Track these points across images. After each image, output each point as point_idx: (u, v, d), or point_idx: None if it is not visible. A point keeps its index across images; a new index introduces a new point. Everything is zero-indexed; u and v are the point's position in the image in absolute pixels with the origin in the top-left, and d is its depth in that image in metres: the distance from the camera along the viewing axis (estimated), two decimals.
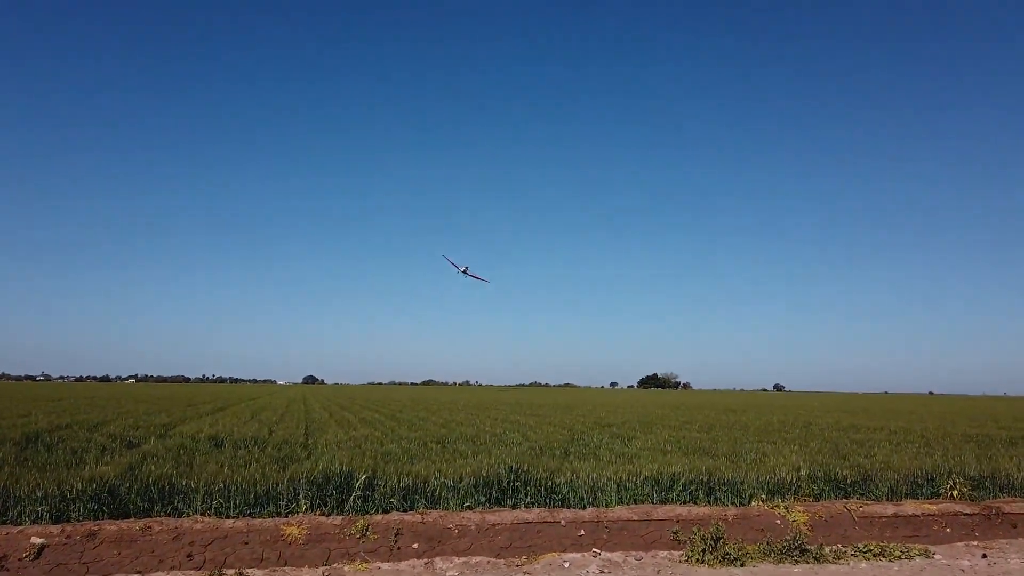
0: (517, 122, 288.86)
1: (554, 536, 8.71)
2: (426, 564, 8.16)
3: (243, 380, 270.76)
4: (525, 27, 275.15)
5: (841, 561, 8.70)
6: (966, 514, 10.00)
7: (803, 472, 11.34)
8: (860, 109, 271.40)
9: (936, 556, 9.06)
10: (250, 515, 8.82)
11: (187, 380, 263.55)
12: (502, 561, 8.35)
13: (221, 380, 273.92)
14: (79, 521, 8.20)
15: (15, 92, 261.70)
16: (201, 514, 8.62)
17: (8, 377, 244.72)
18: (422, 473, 10.22)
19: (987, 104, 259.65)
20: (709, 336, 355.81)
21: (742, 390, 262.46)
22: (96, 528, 7.73)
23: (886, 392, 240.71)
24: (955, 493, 10.90)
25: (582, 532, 8.80)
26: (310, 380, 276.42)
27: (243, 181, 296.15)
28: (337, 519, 8.43)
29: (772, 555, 8.68)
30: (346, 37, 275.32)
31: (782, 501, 9.99)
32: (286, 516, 8.65)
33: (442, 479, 9.98)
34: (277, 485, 9.41)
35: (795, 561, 8.57)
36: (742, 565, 8.36)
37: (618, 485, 10.28)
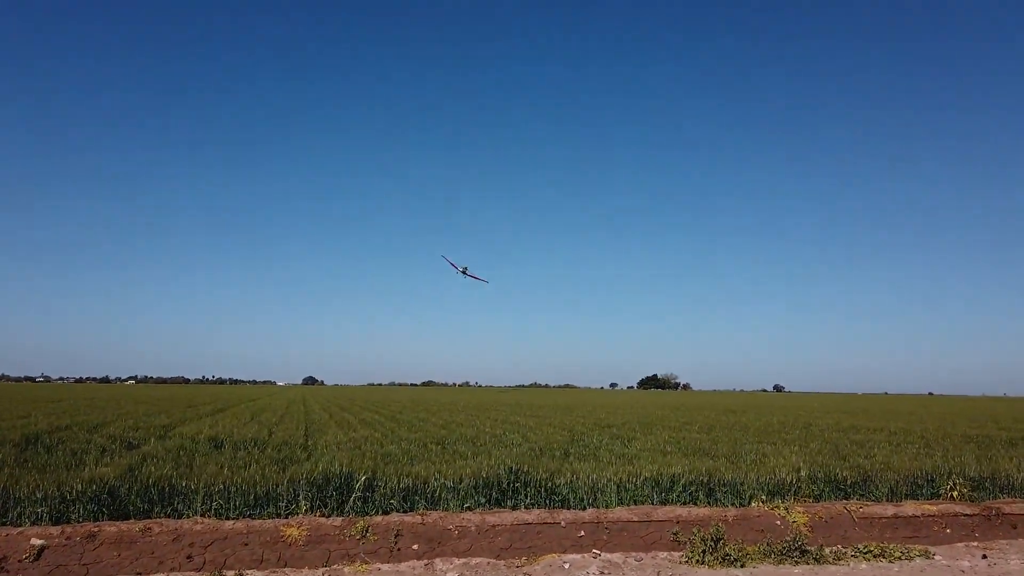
0: (517, 122, 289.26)
1: (554, 537, 8.71)
2: (426, 565, 8.15)
3: (243, 381, 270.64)
4: (525, 27, 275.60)
5: (841, 562, 8.69)
6: (966, 515, 10.00)
7: (803, 473, 11.34)
8: (860, 109, 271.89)
9: (936, 557, 9.06)
10: (250, 516, 8.81)
11: (187, 381, 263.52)
12: (502, 562, 8.35)
13: (221, 381, 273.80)
14: (79, 522, 8.20)
15: (15, 92, 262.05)
16: (201, 515, 8.62)
17: (8, 378, 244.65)
18: (422, 474, 10.21)
19: (987, 104, 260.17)
20: (709, 337, 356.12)
21: (742, 391, 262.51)
22: (96, 529, 7.73)
23: (886, 393, 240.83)
24: (955, 494, 10.90)
25: (582, 533, 8.80)
26: (310, 381, 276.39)
27: (243, 181, 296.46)
28: (337, 520, 8.42)
29: (772, 556, 8.67)
30: (346, 37, 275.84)
31: (782, 502, 9.99)
32: (286, 517, 8.64)
33: (442, 480, 9.98)
34: (277, 486, 9.41)
35: (795, 562, 8.56)
36: (742, 566, 8.36)
37: (618, 486, 10.28)
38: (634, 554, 8.72)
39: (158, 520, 8.18)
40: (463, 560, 8.30)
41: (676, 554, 8.75)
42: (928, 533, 9.69)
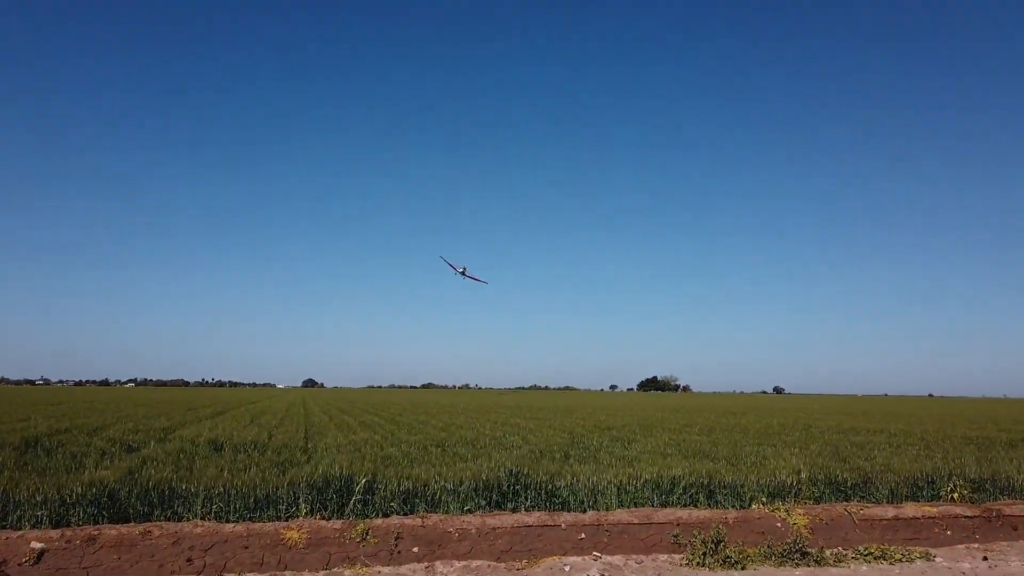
0: (517, 122, 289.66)
1: (555, 540, 8.70)
2: (426, 568, 8.15)
3: (242, 384, 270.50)
4: (525, 27, 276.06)
5: (842, 564, 8.69)
6: (967, 516, 9.99)
7: (803, 475, 11.34)
8: (860, 109, 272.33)
9: (937, 559, 9.05)
10: (250, 519, 8.81)
11: (186, 384, 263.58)
12: (503, 565, 8.34)
13: (220, 384, 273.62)
14: (79, 526, 8.19)
15: (15, 92, 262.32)
16: (201, 518, 8.61)
17: (7, 381, 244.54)
18: (422, 477, 10.21)
19: (987, 104, 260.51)
20: (709, 339, 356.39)
21: (742, 393, 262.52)
22: (96, 533, 7.72)
23: (886, 394, 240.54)
24: (955, 496, 10.90)
25: (583, 535, 8.79)
26: (309, 384, 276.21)
27: (243, 181, 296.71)
28: (337, 523, 8.42)
29: (773, 558, 8.67)
30: (346, 37, 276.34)
31: (783, 504, 9.98)
32: (286, 520, 8.64)
33: (442, 483, 9.97)
34: (277, 489, 9.40)
35: (796, 564, 8.56)
36: (743, 568, 8.36)
37: (618, 488, 10.28)
38: (635, 556, 8.71)
39: (158, 523, 8.17)
40: (463, 563, 8.29)
41: (677, 556, 8.74)
42: (929, 535, 9.68)
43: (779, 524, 9.32)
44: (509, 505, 9.90)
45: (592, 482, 10.33)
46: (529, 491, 10.16)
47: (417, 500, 9.68)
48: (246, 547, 7.91)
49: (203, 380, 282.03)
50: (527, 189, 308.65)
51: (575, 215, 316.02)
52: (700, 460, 13.17)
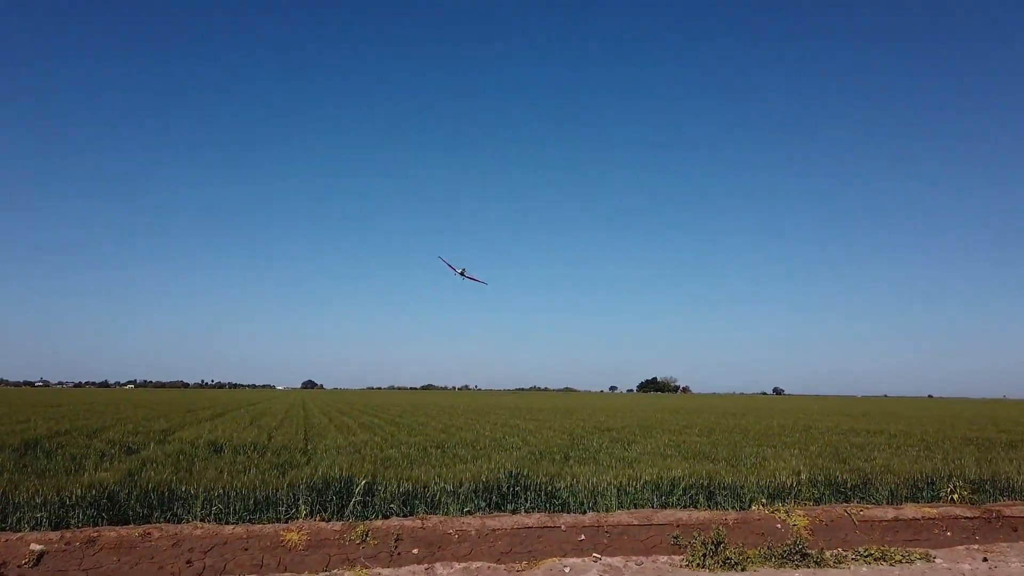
0: (517, 122, 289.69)
1: (555, 541, 8.70)
2: (426, 569, 8.14)
3: (242, 385, 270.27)
4: (525, 27, 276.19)
5: (842, 565, 8.68)
6: (967, 518, 9.99)
7: (803, 476, 11.34)
8: (860, 109, 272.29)
9: (937, 560, 9.05)
10: (250, 521, 8.80)
11: (186, 385, 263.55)
12: (503, 566, 8.34)
13: (220, 385, 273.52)
14: (78, 527, 8.19)
15: (15, 92, 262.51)
16: (201, 520, 8.61)
17: (7, 383, 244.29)
18: (422, 478, 10.20)
19: (987, 104, 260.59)
20: (708, 339, 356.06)
21: (741, 394, 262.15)
22: (95, 534, 7.71)
23: (885, 395, 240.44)
24: (955, 497, 10.90)
25: (582, 537, 8.79)
26: (309, 385, 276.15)
27: (243, 181, 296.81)
28: (337, 525, 8.41)
29: (773, 559, 8.67)
30: (346, 37, 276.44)
31: (782, 505, 9.98)
32: (286, 522, 8.63)
33: (442, 484, 9.97)
34: (277, 491, 9.40)
35: (796, 565, 8.56)
36: (743, 570, 8.35)
37: (618, 490, 10.28)
38: (635, 558, 8.71)
39: (158, 525, 8.16)
40: (463, 564, 8.29)
41: (677, 558, 8.74)
42: (929, 536, 9.68)
43: (779, 525, 9.32)
44: (509, 506, 9.89)
45: (592, 483, 10.33)
46: (529, 492, 10.16)
47: (417, 502, 9.68)
48: (246, 549, 7.91)
49: (203, 382, 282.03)
50: (527, 189, 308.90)
51: (575, 215, 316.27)
52: (700, 461, 13.17)
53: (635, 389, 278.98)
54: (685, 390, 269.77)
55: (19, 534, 7.74)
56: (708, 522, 9.12)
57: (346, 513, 9.29)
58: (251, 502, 9.19)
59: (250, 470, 10.67)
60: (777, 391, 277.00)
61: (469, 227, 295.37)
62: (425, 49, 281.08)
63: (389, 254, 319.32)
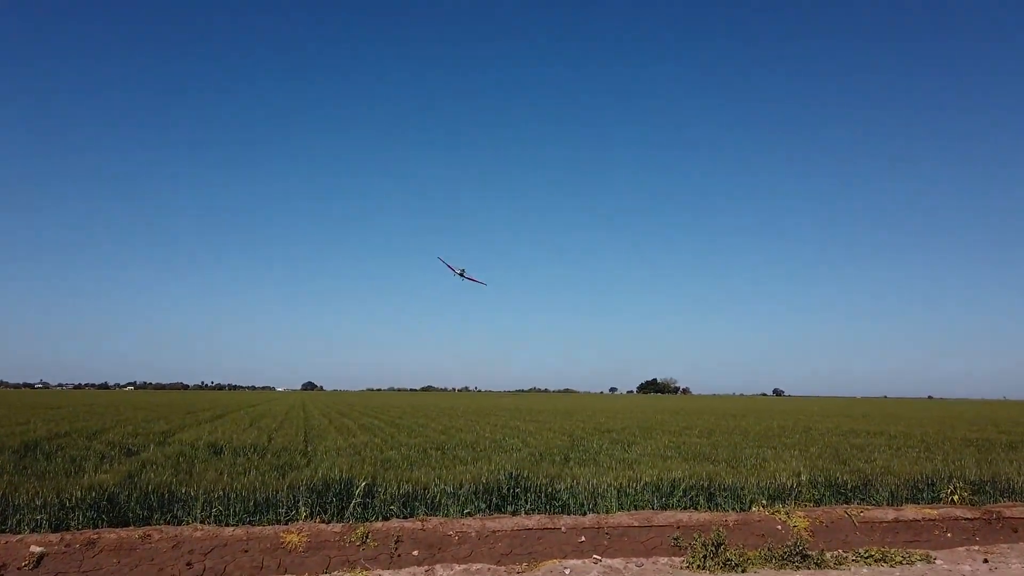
0: (517, 122, 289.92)
1: (555, 543, 8.69)
2: (426, 571, 8.14)
3: (242, 387, 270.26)
4: (525, 27, 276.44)
5: (842, 567, 8.68)
6: (967, 519, 9.99)
7: (803, 477, 11.33)
8: (860, 109, 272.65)
9: (937, 561, 9.04)
10: (250, 523, 8.80)
11: (186, 387, 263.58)
12: (503, 568, 8.33)
13: (220, 387, 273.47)
14: (78, 529, 8.18)
15: (15, 92, 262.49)
16: (200, 522, 8.60)
17: (6, 385, 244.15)
18: (422, 480, 10.20)
19: (987, 104, 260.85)
20: (708, 341, 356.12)
21: (741, 395, 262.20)
22: (95, 536, 7.71)
23: (885, 396, 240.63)
24: (956, 498, 10.90)
25: (583, 539, 8.78)
26: (309, 387, 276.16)
27: (243, 181, 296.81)
28: (337, 526, 8.41)
29: (773, 561, 8.66)
30: (346, 37, 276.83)
31: (783, 506, 9.97)
32: (286, 524, 8.63)
33: (442, 486, 9.96)
34: (277, 492, 9.39)
35: (796, 567, 8.55)
36: (743, 571, 8.35)
37: (618, 491, 10.27)
38: (635, 559, 8.70)
39: (158, 527, 8.15)
40: (464, 566, 8.28)
41: (677, 559, 8.73)
42: (929, 537, 9.68)
43: (779, 526, 9.31)
44: (509, 508, 9.89)
45: (592, 485, 10.32)
46: (529, 494, 10.15)
47: (417, 503, 9.67)
48: (246, 551, 7.90)
49: (202, 383, 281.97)
50: (527, 189, 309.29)
51: (575, 215, 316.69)
52: (700, 462, 13.17)
53: (635, 390, 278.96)
54: (685, 391, 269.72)
55: (19, 536, 7.73)
56: (708, 523, 9.12)
57: (346, 515, 9.29)
58: (251, 504, 9.19)
59: (250, 472, 10.66)
60: (777, 392, 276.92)
61: (469, 227, 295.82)
62: (425, 49, 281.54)
63: (389, 254, 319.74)
